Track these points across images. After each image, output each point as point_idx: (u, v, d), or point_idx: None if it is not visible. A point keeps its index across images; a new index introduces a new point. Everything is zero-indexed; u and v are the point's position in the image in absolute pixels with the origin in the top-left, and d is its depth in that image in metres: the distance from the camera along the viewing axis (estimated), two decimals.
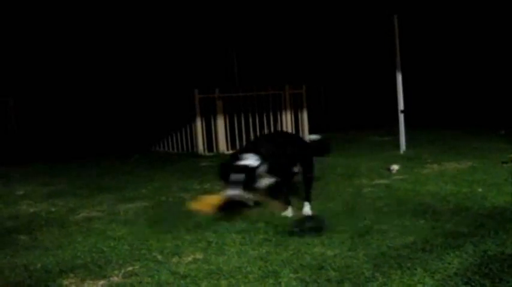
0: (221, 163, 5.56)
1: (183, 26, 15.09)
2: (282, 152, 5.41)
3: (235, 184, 4.96)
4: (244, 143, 10.88)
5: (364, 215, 5.15)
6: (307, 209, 5.50)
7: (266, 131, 11.77)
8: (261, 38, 16.29)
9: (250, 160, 5.08)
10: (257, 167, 5.04)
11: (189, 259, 4.10)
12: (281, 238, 4.51)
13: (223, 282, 3.58)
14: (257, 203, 5.63)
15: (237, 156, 5.27)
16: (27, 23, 13.58)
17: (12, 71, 13.68)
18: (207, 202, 5.72)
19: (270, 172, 5.22)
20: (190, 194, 6.61)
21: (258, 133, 11.52)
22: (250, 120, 11.90)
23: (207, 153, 11.19)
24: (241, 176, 4.95)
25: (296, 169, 5.68)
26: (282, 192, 5.59)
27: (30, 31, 13.70)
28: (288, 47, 16.64)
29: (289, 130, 12.16)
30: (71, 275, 3.88)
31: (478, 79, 16.32)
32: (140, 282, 3.65)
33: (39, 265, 4.11)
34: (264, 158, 5.11)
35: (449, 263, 3.68)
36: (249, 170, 5.00)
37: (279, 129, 11.88)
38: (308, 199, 5.61)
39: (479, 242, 4.08)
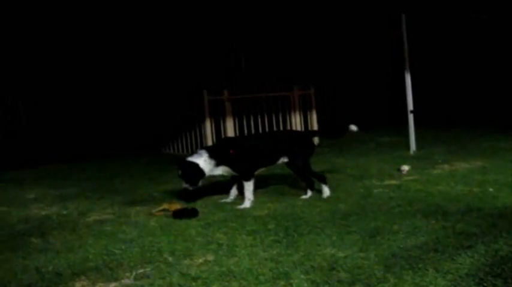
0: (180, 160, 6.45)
1: (192, 27, 15.13)
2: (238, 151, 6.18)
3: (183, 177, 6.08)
4: None
5: (375, 216, 5.14)
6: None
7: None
8: (269, 39, 16.29)
9: (196, 157, 6.07)
10: (199, 163, 5.99)
11: (200, 260, 4.11)
12: (292, 239, 4.51)
13: (235, 284, 3.58)
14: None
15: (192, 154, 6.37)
16: (34, 25, 13.65)
17: (21, 74, 13.75)
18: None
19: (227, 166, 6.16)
20: (201, 199, 6.59)
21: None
22: (259, 121, 11.91)
23: None
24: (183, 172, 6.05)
25: (283, 160, 6.37)
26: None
27: (37, 32, 13.76)
28: (297, 47, 16.62)
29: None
30: (83, 277, 3.90)
31: (489, 78, 16.22)
32: (152, 284, 3.66)
33: (50, 268, 4.13)
34: (213, 156, 6.06)
35: (461, 264, 3.66)
36: (191, 165, 6.00)
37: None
38: (310, 187, 6.36)
39: (491, 242, 4.06)
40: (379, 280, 3.49)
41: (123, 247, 4.59)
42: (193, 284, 3.62)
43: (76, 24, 14.00)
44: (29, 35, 13.68)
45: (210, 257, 4.17)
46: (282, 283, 3.54)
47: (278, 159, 6.35)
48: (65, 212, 6.28)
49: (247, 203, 5.98)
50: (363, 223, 4.90)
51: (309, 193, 6.32)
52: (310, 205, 5.80)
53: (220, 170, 6.21)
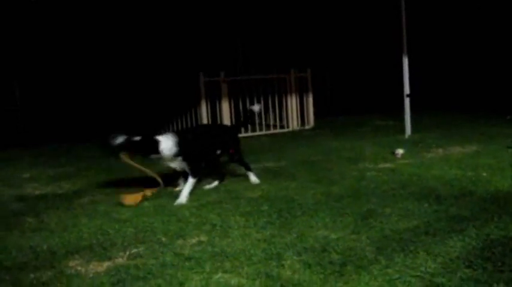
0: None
1: (189, 10, 15.04)
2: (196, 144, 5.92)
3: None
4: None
5: (368, 198, 5.17)
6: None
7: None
8: (266, 21, 16.22)
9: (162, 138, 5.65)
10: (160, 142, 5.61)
11: (194, 241, 4.14)
12: (285, 221, 4.54)
13: (227, 264, 3.61)
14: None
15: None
16: (29, 8, 13.56)
17: (17, 54, 13.69)
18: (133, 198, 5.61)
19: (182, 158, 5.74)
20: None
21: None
22: (255, 104, 11.89)
23: None
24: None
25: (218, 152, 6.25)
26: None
27: (34, 16, 13.68)
28: (294, 30, 16.55)
29: (292, 114, 12.23)
30: (77, 256, 3.93)
31: (485, 63, 16.20)
32: (145, 264, 3.69)
33: (45, 247, 4.16)
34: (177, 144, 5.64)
35: (451, 247, 3.70)
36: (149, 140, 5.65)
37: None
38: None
39: (482, 226, 4.10)
40: (371, 261, 3.52)
41: (117, 226, 4.61)
42: (186, 264, 3.65)
43: (70, 7, 13.91)
44: (24, 19, 13.59)
45: (203, 238, 4.20)
46: (274, 263, 3.57)
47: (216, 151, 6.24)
48: (59, 192, 6.30)
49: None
50: (356, 205, 4.92)
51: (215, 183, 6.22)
52: (303, 188, 5.83)
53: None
